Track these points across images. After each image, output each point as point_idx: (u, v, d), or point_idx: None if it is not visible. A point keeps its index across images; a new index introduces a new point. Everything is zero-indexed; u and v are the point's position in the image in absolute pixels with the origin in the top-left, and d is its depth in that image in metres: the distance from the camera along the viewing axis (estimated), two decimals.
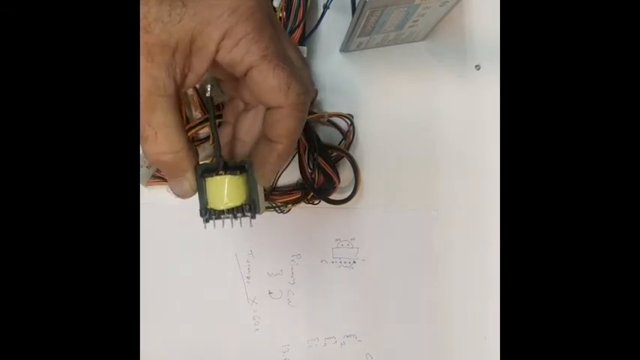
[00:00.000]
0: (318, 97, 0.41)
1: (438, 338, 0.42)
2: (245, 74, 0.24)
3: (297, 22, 0.37)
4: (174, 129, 0.24)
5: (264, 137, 0.27)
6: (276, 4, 0.38)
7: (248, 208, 0.26)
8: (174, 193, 0.27)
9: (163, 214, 0.40)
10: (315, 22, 0.39)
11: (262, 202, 0.27)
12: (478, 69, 0.43)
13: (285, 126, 0.25)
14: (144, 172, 0.37)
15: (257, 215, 0.27)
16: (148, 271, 0.40)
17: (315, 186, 0.38)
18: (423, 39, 0.42)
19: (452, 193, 0.42)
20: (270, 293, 0.41)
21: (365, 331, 0.42)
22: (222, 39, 0.23)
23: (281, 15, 0.37)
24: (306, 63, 0.27)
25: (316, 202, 0.39)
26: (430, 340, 0.42)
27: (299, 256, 0.41)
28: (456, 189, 0.42)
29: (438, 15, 0.37)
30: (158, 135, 0.23)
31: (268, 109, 0.26)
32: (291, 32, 0.37)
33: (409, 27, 0.38)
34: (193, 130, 0.35)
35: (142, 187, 0.39)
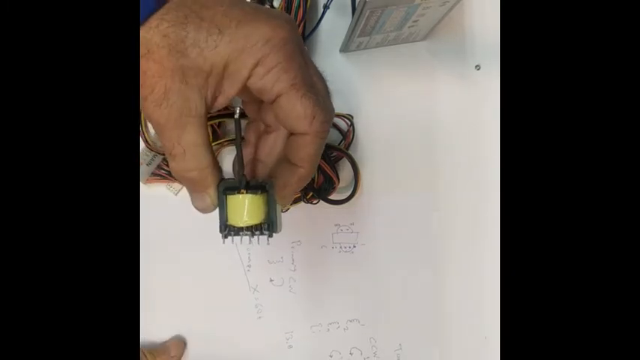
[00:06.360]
0: None
1: (439, 338, 0.42)
2: (273, 101, 0.25)
3: (297, 22, 0.37)
4: (202, 147, 0.25)
5: (286, 160, 0.28)
6: (276, 4, 0.38)
7: (266, 227, 0.27)
8: (195, 207, 0.28)
9: (163, 206, 0.40)
10: (315, 22, 0.39)
11: (280, 221, 0.28)
12: (478, 69, 0.43)
13: (308, 151, 0.27)
14: (143, 169, 0.37)
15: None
16: (149, 264, 0.40)
17: (315, 186, 0.38)
18: (423, 39, 0.42)
19: (452, 193, 0.42)
20: (271, 281, 0.41)
21: (368, 315, 0.42)
22: (255, 66, 0.24)
23: None
24: (329, 91, 0.28)
25: (315, 201, 0.39)
26: (432, 324, 0.42)
27: (299, 243, 0.41)
28: (456, 189, 0.42)
29: (438, 15, 0.37)
30: (186, 153, 0.25)
31: (292, 134, 0.27)
32: None
33: (409, 27, 0.38)
34: None
35: (141, 185, 0.39)
